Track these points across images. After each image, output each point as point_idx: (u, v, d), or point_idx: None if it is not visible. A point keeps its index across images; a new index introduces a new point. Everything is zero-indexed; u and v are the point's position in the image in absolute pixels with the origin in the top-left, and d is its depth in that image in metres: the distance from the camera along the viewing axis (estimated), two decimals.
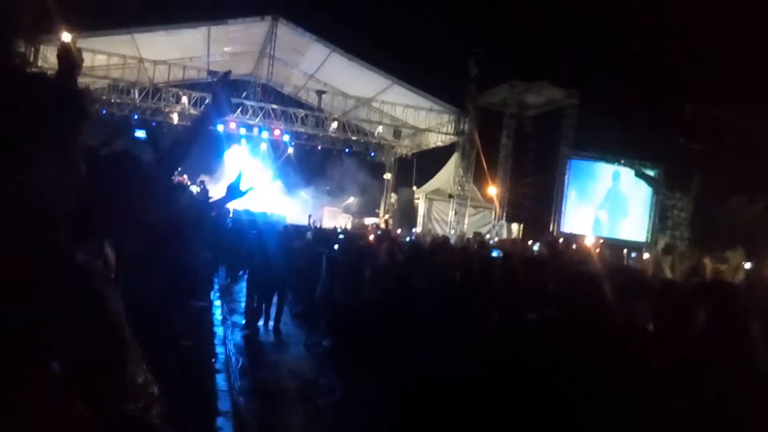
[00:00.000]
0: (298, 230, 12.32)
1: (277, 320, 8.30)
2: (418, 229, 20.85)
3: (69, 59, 2.08)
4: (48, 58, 17.55)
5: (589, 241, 15.75)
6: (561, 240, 15.34)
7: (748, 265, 10.27)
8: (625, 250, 15.62)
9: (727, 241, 14.60)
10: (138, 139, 19.21)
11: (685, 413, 2.51)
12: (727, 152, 17.66)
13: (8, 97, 0.97)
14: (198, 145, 2.82)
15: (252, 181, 2.92)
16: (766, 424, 2.43)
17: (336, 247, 8.54)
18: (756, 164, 17.01)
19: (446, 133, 21.58)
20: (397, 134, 22.51)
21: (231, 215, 17.13)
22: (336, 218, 23.16)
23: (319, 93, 21.08)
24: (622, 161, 20.17)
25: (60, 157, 1.01)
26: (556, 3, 23.53)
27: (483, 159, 20.60)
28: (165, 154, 2.64)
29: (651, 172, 20.14)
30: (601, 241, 16.29)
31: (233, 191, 2.83)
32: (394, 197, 24.74)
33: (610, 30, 21.50)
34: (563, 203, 20.02)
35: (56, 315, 0.92)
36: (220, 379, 5.42)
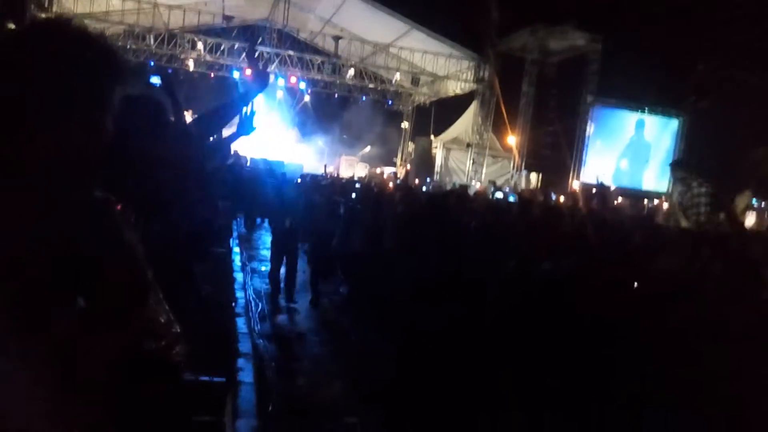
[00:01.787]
0: (315, 180, 12.37)
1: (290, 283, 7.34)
2: (435, 178, 20.78)
3: None
4: (63, 4, 17.38)
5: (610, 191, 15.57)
6: (580, 191, 15.19)
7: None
8: (645, 201, 15.46)
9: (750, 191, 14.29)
10: (153, 84, 19.16)
11: (696, 366, 2.54)
12: (743, 107, 17.12)
13: (44, 52, 0.98)
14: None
15: (261, 119, 2.91)
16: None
17: (353, 196, 8.56)
18: None
19: (465, 81, 21.13)
20: (415, 81, 22.11)
21: (248, 164, 17.23)
22: (353, 167, 23.12)
23: (336, 38, 20.65)
24: (646, 109, 19.67)
25: (90, 112, 1.03)
26: None
27: (503, 107, 20.20)
28: (200, 119, 2.64)
29: (675, 120, 19.65)
30: (612, 188, 16.10)
31: (244, 125, 2.81)
32: (411, 146, 24.55)
33: None
34: (584, 152, 19.70)
35: (77, 248, 0.95)
36: (241, 323, 5.59)
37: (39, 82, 0.97)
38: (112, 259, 1.01)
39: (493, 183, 15.67)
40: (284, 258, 7.27)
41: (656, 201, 15.88)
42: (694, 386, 2.53)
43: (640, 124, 19.86)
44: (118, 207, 1.12)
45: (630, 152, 19.92)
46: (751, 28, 17.18)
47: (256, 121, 2.89)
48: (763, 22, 16.66)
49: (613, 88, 19.46)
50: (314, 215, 7.73)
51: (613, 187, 16.86)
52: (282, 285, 7.17)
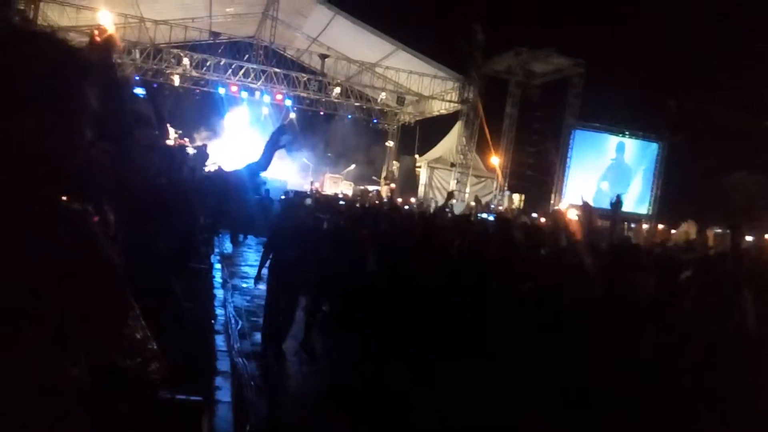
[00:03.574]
0: (299, 197, 12.35)
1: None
2: (423, 198, 20.84)
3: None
4: (47, 16, 17.30)
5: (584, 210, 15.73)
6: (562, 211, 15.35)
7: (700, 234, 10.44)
8: (625, 223, 15.66)
9: (725, 215, 14.61)
10: (137, 96, 19.03)
11: (675, 381, 2.57)
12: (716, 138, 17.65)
13: (16, 56, 0.97)
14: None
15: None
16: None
17: (338, 213, 8.54)
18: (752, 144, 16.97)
19: (450, 101, 21.36)
20: (400, 101, 22.29)
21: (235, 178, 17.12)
22: (337, 185, 23.12)
23: (322, 57, 20.79)
24: (627, 133, 20.04)
25: (65, 117, 1.02)
26: None
27: (486, 128, 20.44)
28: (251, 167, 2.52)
29: (654, 145, 20.03)
30: (589, 207, 16.29)
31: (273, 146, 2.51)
32: (395, 165, 24.65)
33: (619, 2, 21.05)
34: (566, 174, 19.96)
35: (52, 263, 0.94)
36: (220, 340, 5.51)
37: (7, 86, 0.96)
38: (88, 274, 0.99)
39: (479, 201, 15.71)
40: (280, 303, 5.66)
41: (633, 225, 16.11)
42: (673, 402, 2.55)
43: (620, 148, 20.21)
44: (95, 219, 1.11)
45: (611, 175, 20.23)
46: (722, 66, 17.74)
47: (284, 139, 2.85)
48: (731, 61, 17.23)
49: (594, 112, 19.84)
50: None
51: (595, 209, 17.08)
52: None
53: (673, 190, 19.80)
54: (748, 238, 10.96)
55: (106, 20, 14.85)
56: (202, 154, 6.40)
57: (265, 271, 5.94)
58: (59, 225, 0.98)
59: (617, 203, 6.07)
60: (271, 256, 5.88)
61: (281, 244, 5.75)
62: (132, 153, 2.36)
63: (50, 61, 1.00)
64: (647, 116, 20.27)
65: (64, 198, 1.03)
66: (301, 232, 5.83)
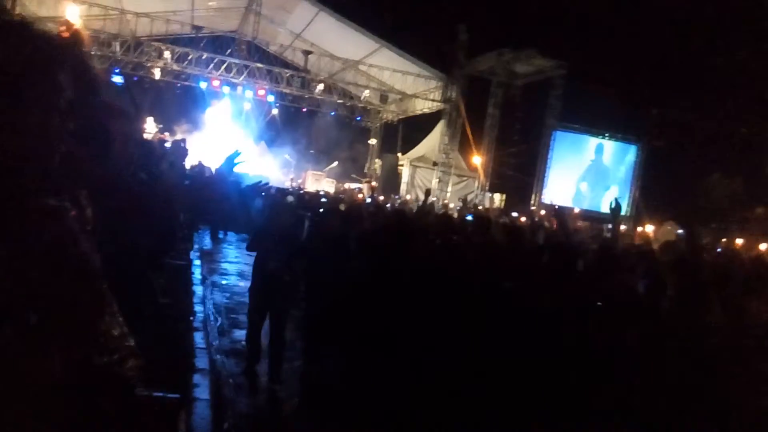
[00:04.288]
0: (281, 193, 12.30)
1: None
2: (405, 196, 20.88)
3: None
4: (26, 6, 16.92)
5: (573, 213, 15.95)
6: (543, 212, 15.52)
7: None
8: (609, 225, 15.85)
9: (703, 217, 14.90)
10: (115, 88, 18.72)
11: (656, 382, 2.61)
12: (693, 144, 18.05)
13: None
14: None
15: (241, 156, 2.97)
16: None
17: (320, 211, 8.50)
18: (728, 149, 17.36)
19: (433, 100, 21.42)
20: (383, 99, 22.30)
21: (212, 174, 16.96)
22: (319, 182, 23.05)
23: (306, 53, 20.68)
24: (606, 135, 20.31)
25: (39, 109, 0.99)
26: None
27: (469, 127, 20.54)
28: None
29: (633, 147, 20.34)
30: (576, 211, 16.55)
31: (225, 171, 2.80)
32: (378, 163, 24.66)
33: (602, 5, 21.30)
34: (546, 174, 20.16)
35: (27, 258, 0.92)
36: (198, 338, 5.46)
37: None
38: (65, 270, 0.97)
39: (464, 201, 15.77)
40: (268, 315, 5.12)
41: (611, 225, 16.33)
42: (650, 401, 2.59)
43: (599, 149, 20.48)
44: (73, 213, 1.08)
45: (590, 175, 20.48)
46: (699, 72, 18.11)
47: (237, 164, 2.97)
48: (709, 68, 17.59)
49: (575, 113, 20.07)
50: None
51: (576, 210, 17.30)
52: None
53: (651, 192, 20.12)
54: (723, 240, 11.19)
55: (73, 15, 14.67)
56: (181, 149, 6.33)
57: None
58: (35, 220, 0.96)
59: (617, 208, 6.13)
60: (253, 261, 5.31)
61: (265, 247, 5.21)
62: (108, 146, 2.32)
63: (24, 52, 0.97)
64: (626, 119, 20.59)
65: (40, 192, 1.01)
66: (287, 237, 5.31)
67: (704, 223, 14.81)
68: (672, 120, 18.86)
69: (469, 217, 8.18)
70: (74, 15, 14.66)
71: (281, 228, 5.32)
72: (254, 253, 5.65)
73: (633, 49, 20.43)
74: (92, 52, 18.61)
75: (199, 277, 8.15)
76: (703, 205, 17.95)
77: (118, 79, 18.63)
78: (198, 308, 6.48)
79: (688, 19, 19.04)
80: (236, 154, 2.85)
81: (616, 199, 6.16)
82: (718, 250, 9.60)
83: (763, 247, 10.91)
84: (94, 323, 1.12)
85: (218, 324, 6.22)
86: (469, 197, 20.25)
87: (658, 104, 19.60)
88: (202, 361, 4.87)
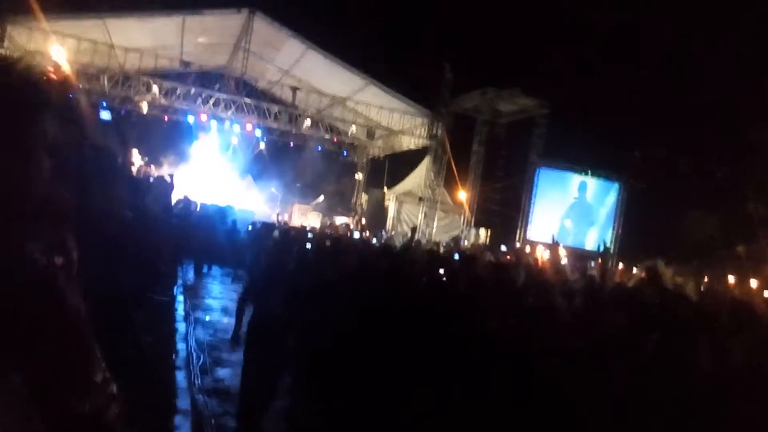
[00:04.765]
0: (267, 228, 12.25)
1: None
2: (391, 232, 20.90)
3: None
4: (14, 39, 17.03)
5: (556, 250, 16.03)
6: (527, 248, 15.60)
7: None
8: (592, 263, 15.93)
9: (684, 254, 15.08)
10: (102, 122, 18.72)
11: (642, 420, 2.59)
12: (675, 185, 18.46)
13: None
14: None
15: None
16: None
17: (307, 246, 8.46)
18: (709, 185, 17.73)
19: (419, 137, 21.69)
20: (370, 135, 22.51)
21: (198, 209, 16.92)
22: (306, 216, 23.03)
23: (294, 89, 20.93)
24: (589, 172, 20.64)
25: (18, 149, 0.98)
26: (534, 14, 23.92)
27: (454, 164, 20.78)
28: None
29: (615, 184, 20.68)
30: (560, 247, 16.64)
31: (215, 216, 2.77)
32: (364, 197, 24.74)
33: (584, 45, 21.98)
34: (530, 210, 20.35)
35: (14, 316, 0.90)
36: (180, 377, 5.34)
37: None
38: (52, 328, 0.95)
39: (452, 241, 15.86)
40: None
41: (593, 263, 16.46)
42: None
43: (582, 186, 20.76)
44: (60, 262, 1.06)
45: (574, 212, 20.70)
46: (679, 114, 18.64)
47: None
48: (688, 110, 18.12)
49: (558, 151, 20.42)
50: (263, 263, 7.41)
51: (561, 246, 17.42)
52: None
53: (634, 229, 20.38)
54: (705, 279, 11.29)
55: (59, 55, 14.81)
56: (167, 184, 6.32)
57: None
58: (22, 279, 0.94)
59: (606, 252, 6.18)
60: (251, 312, 4.64)
61: (265, 296, 4.58)
62: (94, 186, 2.31)
63: (7, 96, 0.97)
64: (608, 157, 21.00)
65: (25, 239, 0.99)
66: (292, 280, 4.71)
67: (685, 261, 14.98)
68: (653, 159, 19.27)
69: (457, 256, 8.21)
70: (60, 55, 14.75)
71: (283, 275, 4.75)
72: (237, 288, 5.53)
73: (614, 88, 21.02)
74: (80, 86, 18.68)
75: (182, 313, 8.02)
76: (684, 243, 18.19)
77: (105, 115, 18.67)
78: (180, 346, 6.36)
79: (668, 60, 19.68)
80: (230, 208, 2.85)
81: (604, 242, 6.23)
82: (702, 289, 9.68)
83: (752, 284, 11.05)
84: (78, 373, 1.10)
85: (201, 362, 6.10)
86: (451, 234, 20.37)
87: (638, 143, 20.06)
88: (183, 402, 4.75)
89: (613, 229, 20.71)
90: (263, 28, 19.69)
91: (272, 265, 5.38)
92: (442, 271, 5.83)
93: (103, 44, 18.30)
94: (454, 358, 3.62)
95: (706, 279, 11.36)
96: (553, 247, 7.03)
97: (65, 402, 1.09)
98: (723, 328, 3.38)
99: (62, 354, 0.99)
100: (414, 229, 9.13)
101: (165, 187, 6.24)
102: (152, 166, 19.01)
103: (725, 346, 2.92)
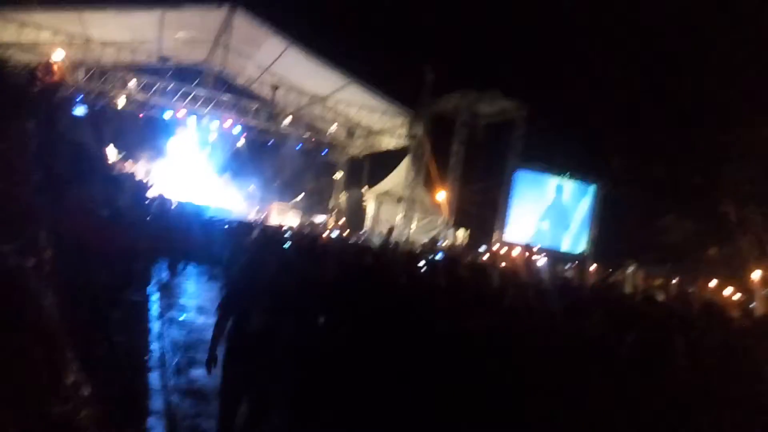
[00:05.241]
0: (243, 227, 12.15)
1: None
2: (366, 230, 20.91)
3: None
4: None
5: (531, 251, 16.23)
6: (503, 249, 15.74)
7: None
8: (568, 264, 16.17)
9: (659, 257, 15.38)
10: (77, 117, 18.37)
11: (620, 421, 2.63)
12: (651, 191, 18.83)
13: None
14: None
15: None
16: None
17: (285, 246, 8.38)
18: (684, 189, 18.11)
19: (399, 137, 21.73)
20: (350, 134, 22.49)
21: (173, 207, 16.70)
22: (284, 214, 22.90)
23: (274, 87, 20.80)
24: (566, 174, 20.91)
25: (6, 155, 0.97)
26: (515, 17, 24.14)
27: (433, 164, 20.86)
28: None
29: (591, 186, 20.98)
30: (536, 248, 16.86)
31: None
32: (343, 197, 24.70)
33: (562, 48, 22.26)
34: (508, 212, 20.53)
35: None
36: (154, 377, 5.26)
37: None
38: (24, 329, 0.93)
39: (430, 241, 15.93)
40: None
41: (569, 265, 16.70)
42: None
43: (559, 189, 21.02)
44: (32, 262, 1.04)
45: (550, 214, 20.94)
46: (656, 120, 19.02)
47: None
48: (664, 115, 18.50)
49: (536, 153, 20.64)
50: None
51: (536, 248, 17.63)
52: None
53: (609, 232, 20.69)
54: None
55: (59, 57, 14.59)
56: (143, 183, 6.23)
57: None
58: None
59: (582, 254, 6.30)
60: (230, 324, 4.15)
61: (247, 306, 4.17)
62: (69, 183, 2.27)
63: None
64: (585, 159, 21.30)
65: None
66: (280, 286, 4.27)
67: (660, 263, 15.26)
68: (628, 162, 19.60)
69: (440, 255, 8.24)
70: (60, 57, 14.51)
71: (272, 277, 4.32)
72: (213, 286, 5.38)
73: (592, 92, 21.32)
74: (64, 81, 18.29)
75: (156, 312, 7.90)
76: (658, 246, 18.54)
77: (80, 111, 18.32)
78: (154, 346, 6.26)
79: (644, 64, 20.03)
80: (206, 209, 2.80)
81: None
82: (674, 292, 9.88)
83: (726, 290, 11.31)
84: (49, 375, 1.07)
85: (175, 362, 6.01)
86: (430, 234, 20.45)
87: (615, 147, 20.39)
88: (157, 403, 4.68)
89: (589, 232, 21.00)
90: (244, 24, 19.52)
91: (250, 268, 5.05)
92: (421, 270, 5.85)
93: (80, 37, 17.97)
94: (436, 358, 3.63)
95: (674, 281, 11.60)
96: (528, 248, 7.13)
97: (37, 404, 1.06)
98: (695, 328, 3.45)
99: (33, 356, 0.97)
100: (391, 230, 9.12)
101: (140, 185, 6.16)
102: (128, 162, 18.73)
103: (698, 346, 2.98)
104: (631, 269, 12.06)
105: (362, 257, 6.07)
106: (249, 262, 5.39)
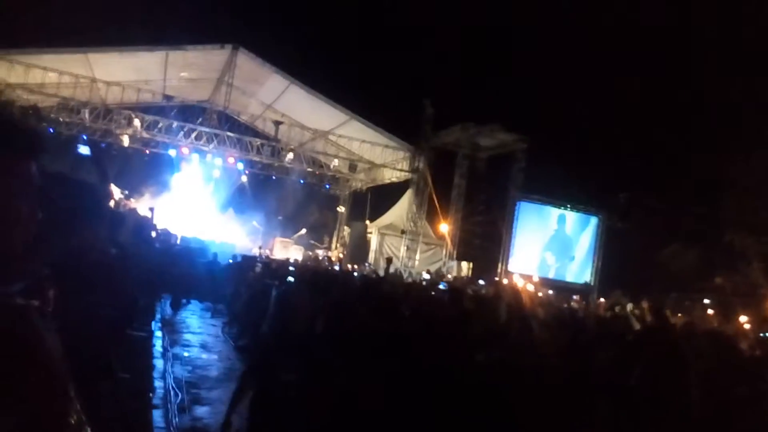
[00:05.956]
0: (248, 261, 12.14)
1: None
2: (370, 263, 20.83)
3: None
4: None
5: (534, 282, 16.12)
6: (506, 281, 15.64)
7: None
8: (574, 296, 16.00)
9: (661, 286, 15.25)
10: (82, 156, 18.55)
11: None
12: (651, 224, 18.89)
13: None
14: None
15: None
16: None
17: (290, 279, 8.36)
18: (688, 219, 18.12)
19: (401, 170, 21.86)
20: (352, 168, 22.63)
21: (178, 242, 16.73)
22: (287, 249, 22.88)
23: (277, 123, 21.06)
24: (568, 206, 20.92)
25: (9, 197, 0.98)
26: (515, 50, 24.57)
27: (435, 197, 20.93)
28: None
29: (594, 218, 20.97)
30: (537, 280, 16.74)
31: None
32: (347, 230, 24.70)
33: (562, 80, 22.59)
34: (511, 243, 20.47)
35: None
36: (158, 416, 5.18)
37: None
38: (28, 372, 0.93)
39: (428, 272, 15.89)
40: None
41: (575, 296, 16.57)
42: None
43: (561, 219, 21.00)
44: (36, 304, 1.04)
45: (554, 246, 20.87)
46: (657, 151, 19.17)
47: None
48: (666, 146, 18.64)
49: (538, 185, 20.72)
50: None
51: (536, 278, 17.51)
52: None
53: (613, 262, 20.59)
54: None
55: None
56: (147, 219, 6.26)
57: None
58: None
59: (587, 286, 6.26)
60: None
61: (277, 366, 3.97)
62: (74, 223, 2.28)
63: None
64: (587, 190, 21.36)
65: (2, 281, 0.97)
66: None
67: (664, 293, 15.13)
68: (630, 193, 19.63)
69: (443, 285, 8.18)
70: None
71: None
72: (218, 323, 5.36)
73: (592, 124, 21.53)
74: (60, 119, 18.54)
75: (160, 349, 7.84)
76: (663, 276, 18.41)
77: (84, 150, 18.52)
78: (158, 383, 6.19)
79: (644, 96, 20.25)
80: (211, 244, 2.82)
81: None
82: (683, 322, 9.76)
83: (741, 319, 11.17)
84: (52, 416, 1.06)
85: (179, 400, 5.93)
86: (433, 266, 20.38)
87: (616, 177, 20.48)
88: None
89: (593, 263, 20.89)
90: (246, 63, 19.89)
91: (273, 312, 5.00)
92: (426, 302, 5.81)
93: (85, 78, 18.30)
94: (439, 391, 3.58)
95: (679, 314, 11.48)
96: (530, 279, 7.10)
97: None
98: (704, 359, 3.40)
99: (36, 396, 0.97)
100: (390, 260, 9.09)
101: (145, 221, 6.19)
102: (131, 200, 18.83)
103: (707, 377, 2.93)
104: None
105: (363, 289, 6.04)
106: (253, 297, 5.38)
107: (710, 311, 13.48)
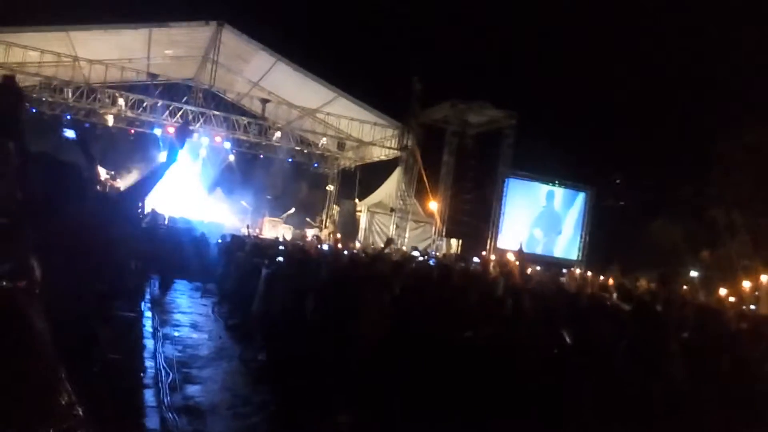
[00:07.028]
0: (237, 240, 12.10)
1: None
2: (360, 242, 20.85)
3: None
4: None
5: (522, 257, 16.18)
6: (494, 257, 15.72)
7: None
8: (563, 270, 16.14)
9: (646, 262, 15.45)
10: (67, 138, 18.29)
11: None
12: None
13: None
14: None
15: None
16: None
17: (279, 259, 8.35)
18: (674, 195, 18.29)
19: (390, 148, 21.77)
20: (340, 146, 22.50)
21: (166, 222, 16.63)
22: (276, 228, 22.80)
23: (263, 101, 20.81)
24: (556, 182, 21.02)
25: None
26: (503, 27, 24.39)
27: (425, 174, 20.90)
28: (130, 190, 2.62)
29: (581, 193, 21.09)
30: (523, 254, 16.85)
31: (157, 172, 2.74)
32: (336, 209, 24.66)
33: (551, 56, 22.49)
34: (500, 220, 20.58)
35: None
36: (149, 395, 5.19)
37: None
38: (17, 352, 0.92)
39: (416, 248, 15.92)
40: None
41: (564, 270, 16.72)
42: None
43: (550, 196, 21.12)
44: (23, 284, 1.03)
45: (542, 222, 21.02)
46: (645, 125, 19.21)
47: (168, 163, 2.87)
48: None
49: (526, 161, 20.77)
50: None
51: (526, 254, 17.63)
52: None
53: (601, 237, 20.80)
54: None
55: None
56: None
57: None
58: None
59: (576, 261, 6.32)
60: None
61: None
62: (59, 203, 2.25)
63: None
64: (574, 166, 21.46)
65: None
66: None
67: (651, 267, 15.33)
68: (618, 170, 19.77)
69: (431, 262, 8.21)
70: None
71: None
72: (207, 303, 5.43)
73: (580, 100, 21.52)
74: (42, 98, 18.19)
75: (150, 329, 7.83)
76: (649, 250, 18.64)
77: (69, 133, 18.23)
78: (148, 363, 6.20)
79: (633, 73, 20.24)
80: (199, 223, 2.81)
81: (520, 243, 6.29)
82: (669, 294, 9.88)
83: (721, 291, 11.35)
84: (42, 396, 1.06)
85: (170, 379, 5.94)
86: (422, 244, 20.44)
87: (604, 153, 20.56)
88: (152, 421, 4.63)
89: (581, 238, 21.08)
90: (232, 40, 19.57)
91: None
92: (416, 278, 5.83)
93: (68, 56, 17.92)
94: (439, 365, 3.62)
95: (654, 284, 11.64)
96: (519, 254, 7.15)
97: (30, 426, 1.04)
98: (690, 332, 3.45)
99: (26, 377, 0.96)
100: (389, 241, 9.09)
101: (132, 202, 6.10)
102: (117, 180, 18.63)
103: (693, 351, 2.99)
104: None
105: (354, 268, 6.06)
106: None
107: (696, 284, 13.69)
